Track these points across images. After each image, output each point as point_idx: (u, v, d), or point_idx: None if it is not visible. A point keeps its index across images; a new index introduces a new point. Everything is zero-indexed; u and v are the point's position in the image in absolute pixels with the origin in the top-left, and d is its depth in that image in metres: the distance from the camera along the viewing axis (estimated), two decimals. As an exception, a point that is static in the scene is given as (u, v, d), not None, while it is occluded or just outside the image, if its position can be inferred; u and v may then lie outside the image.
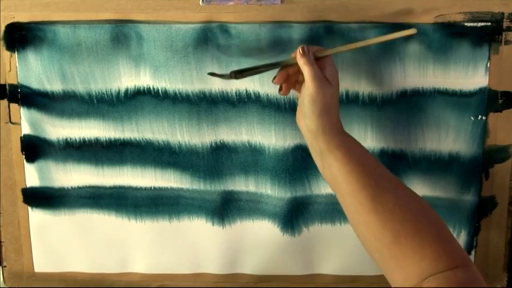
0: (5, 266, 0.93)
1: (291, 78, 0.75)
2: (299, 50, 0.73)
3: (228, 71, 0.77)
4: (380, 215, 0.65)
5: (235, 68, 0.79)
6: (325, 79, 0.72)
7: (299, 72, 0.74)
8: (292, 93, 0.81)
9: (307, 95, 0.71)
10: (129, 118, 0.86)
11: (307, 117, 0.72)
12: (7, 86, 0.85)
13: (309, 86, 0.71)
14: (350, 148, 0.71)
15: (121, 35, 0.82)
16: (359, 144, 0.73)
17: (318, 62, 0.73)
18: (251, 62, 0.81)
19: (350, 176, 0.68)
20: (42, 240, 0.92)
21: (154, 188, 0.89)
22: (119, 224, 0.91)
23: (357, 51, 0.81)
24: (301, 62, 0.72)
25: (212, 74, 0.78)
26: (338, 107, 0.74)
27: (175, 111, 0.85)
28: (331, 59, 0.75)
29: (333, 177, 0.71)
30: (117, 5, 0.81)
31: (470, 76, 0.82)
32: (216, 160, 0.88)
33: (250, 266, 0.92)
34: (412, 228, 0.63)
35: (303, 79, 0.73)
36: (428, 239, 0.63)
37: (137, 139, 0.87)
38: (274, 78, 0.75)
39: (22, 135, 0.87)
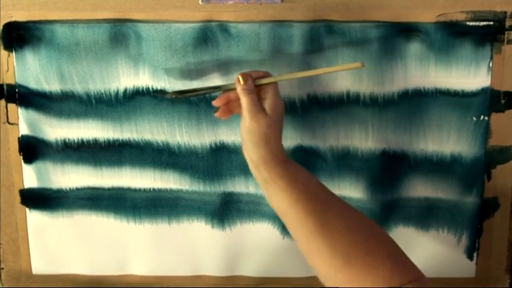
0: (2, 268, 0.91)
1: (234, 103, 0.74)
2: (238, 77, 0.72)
3: (226, 72, 0.79)
4: (329, 239, 0.63)
5: (235, 67, 0.80)
6: (262, 109, 0.71)
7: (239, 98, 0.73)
8: (292, 92, 0.80)
9: (243, 125, 0.71)
10: (128, 118, 0.85)
11: (246, 148, 0.71)
12: (5, 86, 0.84)
13: (244, 116, 0.71)
14: (293, 176, 0.69)
15: (120, 35, 0.81)
16: (303, 170, 0.72)
17: (260, 89, 0.73)
18: (251, 61, 0.80)
19: (295, 204, 0.67)
20: (40, 242, 0.90)
21: (154, 189, 0.88)
22: (118, 226, 0.90)
23: (358, 51, 0.80)
24: (238, 90, 0.72)
25: (155, 92, 0.81)
26: (279, 136, 0.72)
27: (175, 111, 0.84)
28: (275, 86, 0.74)
29: (280, 206, 0.69)
30: (115, 4, 0.80)
31: (472, 76, 0.81)
32: (216, 161, 0.86)
33: (250, 268, 0.91)
34: (362, 250, 0.63)
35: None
36: (380, 258, 0.62)
37: (136, 140, 0.86)
38: (214, 99, 0.75)
39: (20, 135, 0.86)
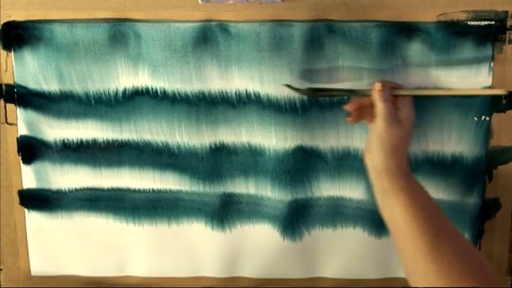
0: (1, 269, 0.91)
1: (364, 109, 0.74)
2: (377, 84, 0.71)
3: (226, 72, 0.79)
4: (438, 264, 0.61)
5: (235, 67, 0.79)
6: (397, 120, 0.70)
7: (373, 105, 0.72)
8: (292, 93, 0.79)
9: (376, 132, 0.70)
10: (127, 119, 0.84)
11: (373, 155, 0.70)
12: (3, 86, 0.83)
13: (378, 123, 0.69)
14: (414, 192, 0.68)
15: (119, 34, 0.80)
16: (424, 189, 0.70)
17: (395, 100, 0.72)
18: (251, 61, 0.79)
19: (411, 220, 0.65)
20: (39, 243, 0.90)
21: (153, 190, 0.87)
22: (117, 227, 0.89)
23: (358, 51, 0.79)
24: (376, 97, 0.71)
25: (288, 87, 0.77)
26: (408, 149, 0.72)
27: (174, 111, 0.83)
28: (409, 100, 0.73)
29: (393, 219, 0.68)
30: (115, 4, 0.79)
31: (473, 76, 0.80)
32: (216, 162, 0.85)
33: (250, 269, 0.90)
34: (469, 282, 0.60)
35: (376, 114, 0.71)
36: None
37: (135, 140, 0.85)
38: (346, 103, 0.74)
39: (18, 136, 0.85)
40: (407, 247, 0.65)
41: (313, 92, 0.77)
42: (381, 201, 0.71)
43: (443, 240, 0.63)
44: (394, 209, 0.67)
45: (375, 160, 0.70)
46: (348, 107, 0.74)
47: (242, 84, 0.81)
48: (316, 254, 0.89)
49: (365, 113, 0.75)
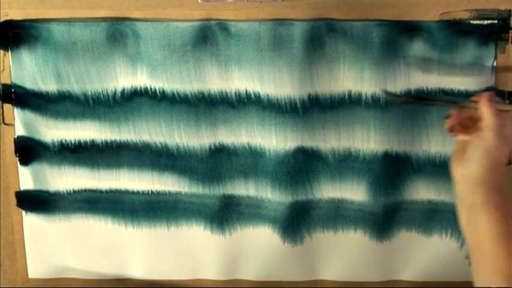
0: (-2, 272, 0.89)
1: (462, 121, 0.70)
2: (485, 96, 0.67)
3: (226, 71, 0.78)
4: None
5: (234, 67, 0.78)
6: (503, 135, 0.66)
7: (471, 118, 0.69)
8: (293, 93, 0.77)
9: (483, 144, 0.65)
10: (126, 119, 0.82)
11: (472, 167, 0.66)
12: (0, 86, 0.82)
13: (487, 136, 0.65)
14: (507, 211, 0.63)
15: (117, 33, 0.79)
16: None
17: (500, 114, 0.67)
18: (251, 61, 0.78)
19: (498, 239, 0.61)
20: (36, 246, 0.88)
21: (152, 191, 0.86)
22: (115, 229, 0.87)
23: (359, 50, 0.77)
24: (485, 109, 0.66)
25: (386, 93, 0.77)
26: (504, 169, 0.67)
27: (173, 112, 0.81)
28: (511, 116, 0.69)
29: (477, 235, 0.63)
30: (113, 3, 0.78)
31: (476, 75, 0.78)
32: (215, 163, 0.84)
33: (250, 272, 0.88)
34: None
35: (472, 125, 0.68)
36: None
37: (134, 141, 0.83)
38: (447, 117, 0.70)
39: (16, 136, 0.84)
40: (487, 267, 0.61)
41: (413, 100, 0.76)
42: (466, 216, 0.66)
43: None
44: (482, 226, 0.63)
45: (473, 172, 0.65)
46: (450, 121, 0.70)
47: (242, 84, 0.80)
48: (317, 257, 0.87)
49: (462, 124, 0.71)
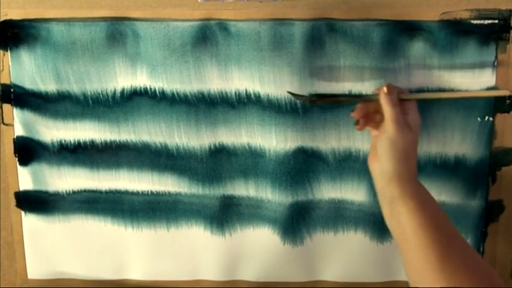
0: (-3, 273, 0.89)
1: (370, 116, 0.72)
2: (384, 88, 0.68)
3: (226, 71, 0.78)
4: (447, 275, 0.58)
5: (234, 67, 0.78)
6: (407, 124, 0.68)
7: (378, 111, 0.70)
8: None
9: (386, 136, 0.66)
10: (126, 119, 0.82)
11: (383, 161, 0.67)
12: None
13: (389, 127, 0.67)
14: (424, 199, 0.65)
15: (117, 33, 0.78)
16: (432, 196, 0.67)
17: (400, 105, 0.69)
18: (251, 61, 0.77)
19: (420, 229, 0.62)
20: (35, 246, 0.87)
21: (152, 192, 0.85)
22: (115, 230, 0.86)
23: (360, 50, 0.76)
24: (384, 101, 0.68)
25: (291, 94, 0.75)
26: (416, 155, 0.69)
27: (173, 112, 0.81)
28: (415, 104, 0.71)
29: (401, 229, 0.64)
30: (113, 2, 0.77)
31: (476, 76, 0.78)
32: (215, 163, 0.83)
33: (250, 273, 0.87)
34: None
35: (381, 119, 0.69)
36: None
37: (134, 141, 0.83)
38: (352, 110, 0.72)
39: (15, 136, 0.83)
40: (415, 257, 0.61)
41: (316, 99, 0.74)
42: (388, 210, 0.67)
43: (452, 251, 0.60)
44: (402, 218, 0.64)
45: (385, 166, 0.67)
46: (355, 115, 0.72)
47: (242, 84, 0.79)
48: (317, 258, 0.86)
49: (370, 119, 0.72)
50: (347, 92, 0.78)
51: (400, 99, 0.69)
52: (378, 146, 0.68)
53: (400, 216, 0.64)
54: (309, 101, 0.75)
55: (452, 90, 0.78)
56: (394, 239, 0.66)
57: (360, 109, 0.72)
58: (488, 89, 0.78)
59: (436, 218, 0.63)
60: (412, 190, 0.65)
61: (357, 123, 0.72)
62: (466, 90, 0.78)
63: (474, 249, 0.63)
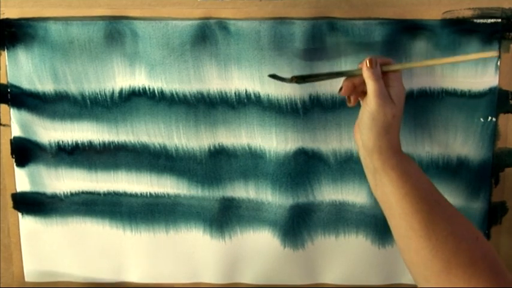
0: (-6, 275, 0.87)
1: (358, 89, 0.70)
2: (366, 61, 0.67)
3: (225, 71, 0.76)
4: (432, 242, 0.59)
5: (234, 66, 0.76)
6: (389, 97, 0.67)
7: (365, 83, 0.68)
8: (293, 93, 0.76)
9: (367, 110, 0.66)
10: (124, 120, 0.80)
11: (364, 134, 0.67)
12: (-4, 86, 0.80)
13: (370, 102, 0.66)
14: (406, 170, 0.65)
15: (115, 32, 0.77)
16: (416, 166, 0.67)
17: (384, 76, 0.68)
18: (251, 60, 0.76)
19: (403, 198, 0.63)
20: (33, 248, 0.86)
21: (150, 193, 0.83)
22: (113, 232, 0.85)
23: (360, 49, 0.75)
24: (366, 75, 0.67)
25: (273, 76, 0.72)
26: (399, 127, 0.68)
27: (172, 113, 0.79)
28: (399, 75, 0.69)
29: (385, 198, 0.66)
30: (111, 1, 0.76)
31: (479, 75, 0.76)
32: (215, 164, 0.81)
33: (250, 276, 0.86)
34: (464, 260, 0.58)
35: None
36: (481, 271, 0.58)
37: (132, 142, 0.81)
38: (340, 89, 0.70)
39: (12, 137, 0.82)
40: (400, 225, 0.63)
41: (300, 80, 0.72)
42: (372, 180, 0.68)
43: (437, 217, 0.61)
44: (386, 188, 0.65)
45: (365, 139, 0.66)
46: (343, 93, 0.70)
47: (242, 84, 0.77)
48: (318, 262, 0.85)
49: (359, 91, 0.71)
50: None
51: (383, 71, 0.68)
52: (360, 118, 0.68)
53: (384, 187, 0.65)
54: (292, 82, 0.72)
55: (454, 90, 0.77)
56: (381, 207, 0.67)
57: (346, 86, 0.69)
58: (491, 89, 0.76)
59: (420, 187, 0.64)
60: (393, 162, 0.65)
61: (348, 100, 0.72)
62: (464, 93, 0.77)
63: (461, 215, 0.63)
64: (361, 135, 0.67)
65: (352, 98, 0.71)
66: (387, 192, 0.65)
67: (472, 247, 0.59)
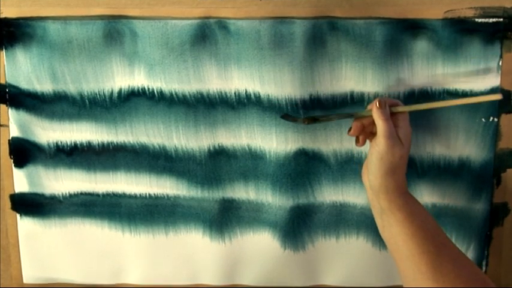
0: (-8, 277, 0.86)
1: (366, 129, 0.71)
2: (376, 102, 0.68)
3: (225, 71, 0.76)
4: (440, 284, 0.59)
5: (234, 66, 0.75)
6: (398, 138, 0.67)
7: (373, 123, 0.69)
8: (294, 93, 0.75)
9: (376, 151, 0.67)
10: (123, 121, 0.79)
11: (371, 174, 0.68)
12: (-6, 86, 0.79)
13: (379, 142, 0.66)
14: (412, 211, 0.66)
15: (114, 32, 0.76)
16: (422, 207, 0.67)
17: (392, 117, 0.68)
18: (251, 60, 0.74)
19: (410, 240, 0.63)
20: (31, 250, 0.85)
21: (150, 195, 0.82)
22: (112, 234, 0.84)
23: (362, 49, 0.74)
24: (376, 115, 0.68)
25: (284, 117, 0.74)
26: (405, 168, 0.68)
27: (172, 113, 0.78)
28: (406, 116, 0.70)
29: (392, 239, 0.66)
30: (110, 0, 0.75)
31: (481, 75, 0.75)
32: (214, 165, 0.80)
33: (250, 278, 0.85)
34: None
35: (376, 132, 0.68)
36: None
37: (131, 143, 0.80)
38: (349, 130, 0.71)
39: (10, 138, 0.81)
40: (407, 268, 0.63)
41: (311, 121, 0.72)
42: (379, 221, 0.69)
43: (444, 259, 0.61)
44: (392, 229, 0.66)
45: (372, 179, 0.67)
46: (352, 133, 0.70)
47: (242, 84, 0.76)
48: (318, 264, 0.84)
49: (367, 132, 0.71)
50: (348, 92, 0.76)
51: (391, 112, 0.68)
52: (369, 159, 0.69)
53: (391, 227, 0.66)
54: (304, 123, 0.72)
55: (456, 90, 0.76)
56: (388, 248, 0.68)
57: (356, 126, 0.70)
58: (493, 89, 0.75)
59: (426, 228, 0.64)
60: (400, 202, 0.66)
61: (356, 140, 0.72)
62: (466, 93, 0.76)
63: (466, 257, 0.63)
64: (368, 175, 0.68)
65: (360, 138, 0.71)
66: (394, 233, 0.65)
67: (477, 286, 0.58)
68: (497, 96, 0.68)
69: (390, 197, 0.66)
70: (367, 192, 0.70)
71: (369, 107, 0.70)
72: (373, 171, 0.67)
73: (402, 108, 0.69)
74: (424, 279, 0.60)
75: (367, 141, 0.72)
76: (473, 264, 0.62)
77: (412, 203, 0.67)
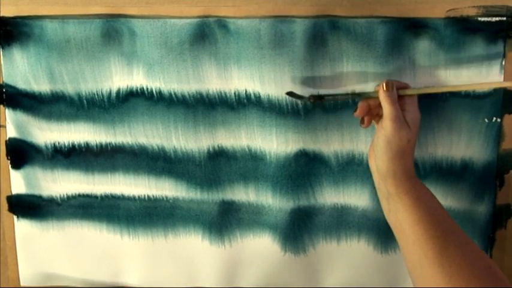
0: (-12, 280, 0.85)
1: (373, 111, 0.70)
2: (383, 84, 0.66)
3: (225, 70, 0.74)
4: (446, 269, 0.58)
5: (234, 66, 0.74)
6: (405, 121, 0.66)
7: (380, 105, 0.68)
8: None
9: (382, 134, 0.65)
10: (122, 121, 0.78)
11: (378, 158, 0.67)
12: (-9, 86, 0.78)
13: (386, 126, 0.65)
14: (420, 195, 0.65)
15: (112, 31, 0.75)
16: (430, 192, 0.66)
17: (400, 100, 0.67)
18: (251, 60, 0.73)
19: (417, 224, 0.62)
20: (28, 252, 0.84)
21: (148, 196, 0.81)
22: (111, 236, 0.83)
23: (363, 49, 0.73)
24: (382, 97, 0.66)
25: (290, 94, 0.72)
26: (413, 152, 0.68)
27: (171, 113, 0.77)
28: (414, 100, 0.69)
29: (398, 224, 0.65)
30: None
31: (484, 75, 0.74)
32: (214, 166, 0.79)
33: (250, 281, 0.83)
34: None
35: (383, 114, 0.67)
36: None
37: (130, 144, 0.79)
38: (355, 110, 0.70)
39: (7, 138, 0.80)
40: (413, 252, 0.62)
41: (317, 99, 0.71)
42: (386, 205, 0.68)
43: (450, 244, 0.60)
44: (399, 214, 0.64)
45: (379, 163, 0.66)
46: (357, 114, 0.69)
47: (242, 84, 0.75)
48: (319, 268, 0.83)
49: (374, 114, 0.70)
50: (350, 91, 0.74)
51: (399, 95, 0.67)
52: (375, 143, 0.68)
53: (397, 212, 0.65)
54: (309, 101, 0.72)
55: (458, 91, 0.74)
56: (394, 232, 0.66)
57: (361, 107, 0.69)
58: (496, 89, 0.74)
59: (433, 213, 0.63)
60: (407, 187, 0.65)
61: (361, 121, 0.71)
62: (468, 93, 0.75)
63: (473, 243, 0.62)
64: (375, 159, 0.67)
65: (366, 120, 0.70)
66: (400, 217, 0.64)
67: (485, 275, 0.58)
68: (510, 84, 0.68)
69: (397, 182, 0.65)
70: (373, 175, 0.70)
71: (376, 88, 0.69)
72: (380, 155, 0.66)
73: (410, 91, 0.68)
74: (430, 264, 0.59)
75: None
76: (480, 250, 0.61)
77: (419, 187, 0.66)
